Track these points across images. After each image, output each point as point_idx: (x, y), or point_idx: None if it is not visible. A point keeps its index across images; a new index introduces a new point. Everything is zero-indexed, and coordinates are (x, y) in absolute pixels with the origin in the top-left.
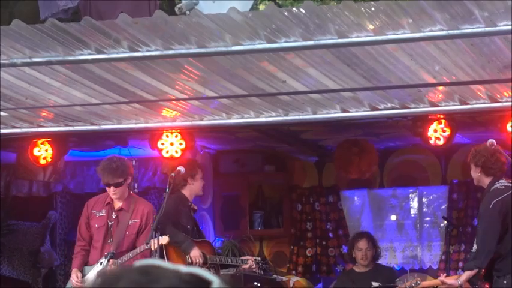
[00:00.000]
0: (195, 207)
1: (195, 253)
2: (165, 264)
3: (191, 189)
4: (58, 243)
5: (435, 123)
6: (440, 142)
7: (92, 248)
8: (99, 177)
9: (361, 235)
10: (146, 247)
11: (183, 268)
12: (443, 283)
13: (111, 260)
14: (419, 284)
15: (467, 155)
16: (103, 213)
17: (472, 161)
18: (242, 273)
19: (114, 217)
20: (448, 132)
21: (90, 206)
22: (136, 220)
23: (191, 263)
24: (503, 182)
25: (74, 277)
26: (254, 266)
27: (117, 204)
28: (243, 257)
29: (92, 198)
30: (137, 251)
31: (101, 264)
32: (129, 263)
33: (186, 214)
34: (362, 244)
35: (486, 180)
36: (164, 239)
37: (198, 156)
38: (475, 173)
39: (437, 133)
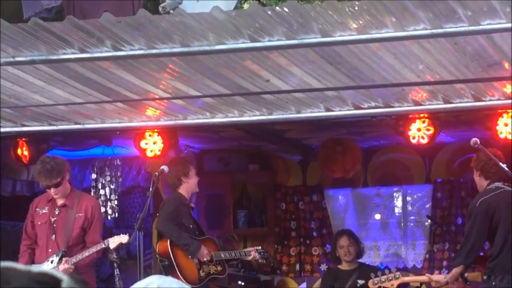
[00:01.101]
0: (193, 205)
1: (203, 252)
2: (16, 265)
3: (187, 187)
4: None
5: (418, 122)
6: (424, 141)
7: (37, 247)
8: (37, 181)
9: (342, 232)
10: (104, 245)
11: (34, 268)
12: (430, 279)
13: (64, 259)
14: (398, 277)
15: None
16: (46, 210)
17: (473, 165)
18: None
19: (57, 213)
20: (431, 131)
21: (34, 205)
22: (81, 214)
23: (200, 263)
24: (497, 184)
25: None
26: (257, 256)
27: (60, 201)
28: (245, 249)
29: (37, 197)
30: (93, 249)
31: (51, 262)
32: (84, 262)
33: (186, 214)
34: (343, 241)
35: (484, 184)
36: (124, 238)
37: (181, 155)
38: (476, 177)
39: (420, 132)
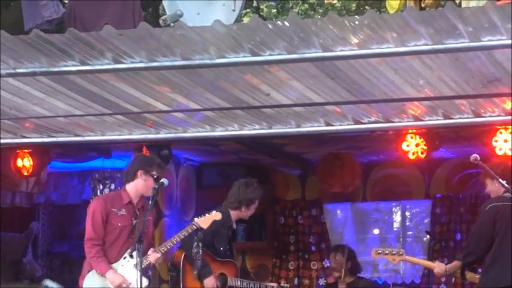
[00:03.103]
0: (234, 227)
1: (209, 282)
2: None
3: (239, 215)
4: (40, 255)
5: (412, 137)
6: (422, 156)
7: (109, 247)
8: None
9: (336, 248)
10: (194, 227)
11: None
12: (432, 265)
13: (151, 249)
14: (401, 254)
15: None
16: (124, 212)
17: (486, 176)
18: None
19: (138, 215)
20: (426, 146)
21: (108, 204)
22: (150, 218)
23: None
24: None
25: (119, 280)
26: None
27: (138, 203)
28: (267, 284)
29: (103, 197)
30: (184, 233)
31: (130, 256)
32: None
33: (223, 236)
34: (331, 258)
35: (501, 191)
36: (217, 215)
37: (181, 168)
38: (493, 186)
39: (419, 147)
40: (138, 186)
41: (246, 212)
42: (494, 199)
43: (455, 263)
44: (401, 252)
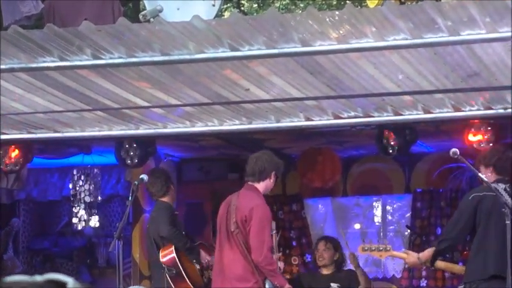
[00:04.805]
0: (177, 212)
1: (203, 255)
2: (24, 278)
3: (173, 196)
4: (21, 251)
5: (391, 133)
6: (396, 148)
7: None
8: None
9: (322, 237)
10: (272, 232)
11: (39, 278)
12: (405, 256)
13: (276, 255)
14: (388, 250)
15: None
16: None
17: (481, 162)
18: None
19: None
20: (396, 141)
21: None
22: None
23: (201, 269)
24: (501, 185)
25: None
26: None
27: None
28: None
29: (265, 202)
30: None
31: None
32: None
33: (176, 222)
34: (320, 245)
35: (492, 180)
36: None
37: (161, 164)
38: (485, 174)
39: (396, 142)
40: (267, 185)
41: (174, 188)
42: (478, 189)
43: (428, 251)
44: (388, 248)
